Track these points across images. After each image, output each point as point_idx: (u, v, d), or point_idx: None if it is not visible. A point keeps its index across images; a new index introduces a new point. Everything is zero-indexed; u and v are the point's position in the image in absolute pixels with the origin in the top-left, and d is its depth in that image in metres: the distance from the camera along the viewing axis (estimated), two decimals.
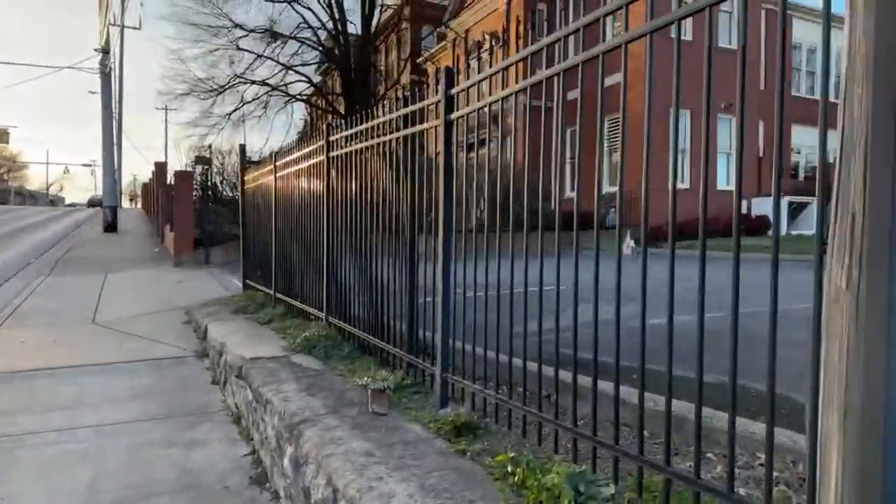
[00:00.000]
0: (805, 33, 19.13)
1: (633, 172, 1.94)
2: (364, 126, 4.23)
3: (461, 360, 3.12)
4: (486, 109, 2.92)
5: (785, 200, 18.29)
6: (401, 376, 3.57)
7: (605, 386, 2.19)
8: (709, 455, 2.29)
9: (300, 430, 2.87)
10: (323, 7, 18.98)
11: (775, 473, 2.09)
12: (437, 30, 25.29)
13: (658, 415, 2.08)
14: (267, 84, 19.60)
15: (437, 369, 3.22)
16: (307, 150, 5.44)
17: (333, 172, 4.85)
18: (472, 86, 3.01)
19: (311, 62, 21.09)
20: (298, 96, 20.86)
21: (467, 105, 3.08)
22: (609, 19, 2.18)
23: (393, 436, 2.72)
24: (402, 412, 3.09)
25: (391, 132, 3.86)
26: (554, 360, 2.37)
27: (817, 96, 1.48)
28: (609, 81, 2.12)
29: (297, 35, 19.37)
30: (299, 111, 25.46)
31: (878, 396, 1.26)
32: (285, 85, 20.02)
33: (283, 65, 19.54)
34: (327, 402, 3.26)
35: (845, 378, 1.36)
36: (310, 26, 19.26)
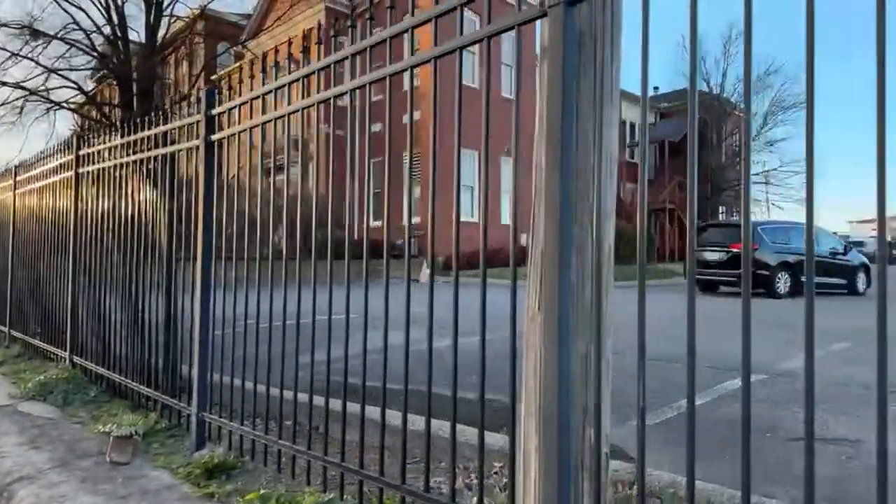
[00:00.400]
0: None
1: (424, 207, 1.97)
2: (119, 141, 3.83)
3: (223, 397, 2.92)
4: (249, 133, 2.84)
5: None
6: (154, 419, 3.24)
7: (376, 413, 2.16)
8: (459, 467, 2.42)
9: (13, 491, 2.44)
10: (99, 9, 16.93)
11: (505, 479, 2.29)
12: (235, 49, 24.17)
13: (416, 435, 2.15)
14: (23, 87, 16.77)
15: (193, 409, 2.98)
16: (54, 164, 4.75)
17: (83, 190, 4.30)
18: (233, 107, 2.91)
19: (83, 67, 18.51)
20: (64, 104, 18.17)
21: (230, 126, 2.96)
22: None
23: (131, 486, 2.43)
24: (150, 459, 2.79)
25: (150, 149, 3.55)
26: (328, 389, 2.31)
27: None
28: (406, 119, 2.04)
29: (65, 36, 16.89)
30: (67, 120, 22.30)
31: (554, 397, 1.45)
32: (47, 90, 17.20)
33: (45, 67, 16.84)
34: (56, 455, 2.81)
35: (540, 385, 1.55)
36: (81, 28, 16.92)
